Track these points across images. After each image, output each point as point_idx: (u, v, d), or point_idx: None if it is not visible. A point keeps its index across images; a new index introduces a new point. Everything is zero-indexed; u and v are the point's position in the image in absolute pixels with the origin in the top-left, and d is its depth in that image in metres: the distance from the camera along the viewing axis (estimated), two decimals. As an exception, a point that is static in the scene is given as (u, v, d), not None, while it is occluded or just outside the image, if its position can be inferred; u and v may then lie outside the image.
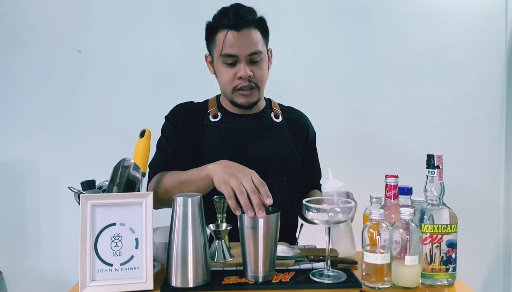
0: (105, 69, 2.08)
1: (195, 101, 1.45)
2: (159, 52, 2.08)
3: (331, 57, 2.11)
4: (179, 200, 0.97)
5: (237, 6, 1.30)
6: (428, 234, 0.98)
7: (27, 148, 2.08)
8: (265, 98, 1.46)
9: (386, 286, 0.95)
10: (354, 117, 2.14)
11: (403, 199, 1.09)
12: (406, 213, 0.95)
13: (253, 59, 1.28)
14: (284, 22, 2.07)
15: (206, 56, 1.40)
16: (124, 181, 1.05)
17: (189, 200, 0.97)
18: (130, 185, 1.05)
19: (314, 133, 1.52)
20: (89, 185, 1.08)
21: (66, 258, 2.10)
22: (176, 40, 2.08)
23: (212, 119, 1.37)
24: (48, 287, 2.09)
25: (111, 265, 0.97)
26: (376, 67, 2.13)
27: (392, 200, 1.07)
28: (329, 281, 0.99)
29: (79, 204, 0.98)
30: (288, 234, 1.38)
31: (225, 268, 1.08)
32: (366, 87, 2.12)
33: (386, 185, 1.08)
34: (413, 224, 0.96)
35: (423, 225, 0.98)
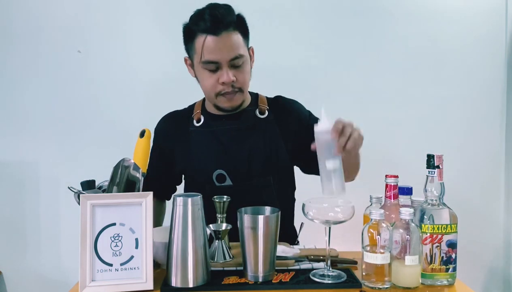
0: (105, 69, 2.08)
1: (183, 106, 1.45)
2: (160, 52, 2.08)
3: (330, 56, 2.11)
4: (179, 200, 0.97)
5: (213, 7, 1.23)
6: (428, 234, 0.98)
7: (27, 148, 2.07)
8: (251, 93, 1.41)
9: (386, 286, 0.95)
10: (354, 117, 2.13)
11: (403, 199, 1.09)
12: (406, 213, 0.95)
13: (235, 64, 1.24)
14: (282, 21, 2.07)
15: (185, 59, 1.35)
16: (124, 181, 1.05)
17: (189, 200, 0.97)
18: (130, 185, 1.05)
19: (307, 113, 1.42)
20: (89, 185, 1.08)
21: (66, 258, 2.10)
22: (176, 40, 2.08)
23: (195, 124, 1.37)
24: (48, 287, 2.09)
25: (111, 265, 0.97)
26: (376, 67, 2.13)
27: (392, 200, 1.07)
28: (329, 281, 0.99)
29: (79, 204, 0.98)
30: (280, 234, 1.37)
31: (225, 268, 1.08)
32: (366, 87, 2.12)
33: (386, 185, 1.08)
34: (413, 224, 0.96)
35: (423, 225, 0.98)
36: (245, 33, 1.28)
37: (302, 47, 2.10)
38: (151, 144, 1.39)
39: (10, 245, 2.10)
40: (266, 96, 1.44)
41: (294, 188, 1.46)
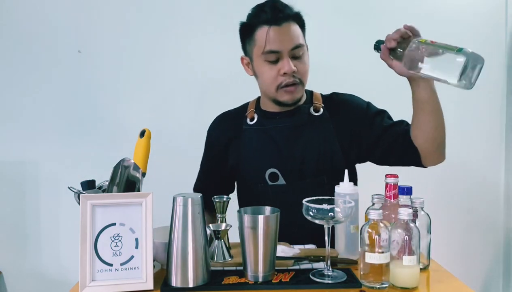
0: (105, 69, 2.08)
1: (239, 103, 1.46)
2: (159, 51, 2.08)
3: (331, 57, 2.11)
4: (179, 200, 0.97)
5: (273, 1, 1.27)
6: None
7: (27, 148, 2.07)
8: (306, 91, 1.40)
9: (384, 285, 0.95)
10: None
11: (403, 199, 1.09)
12: (405, 213, 0.95)
13: (295, 54, 1.25)
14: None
15: (242, 58, 1.36)
16: (124, 181, 1.05)
17: (189, 200, 0.97)
18: (130, 185, 1.05)
19: (365, 104, 1.41)
20: (89, 185, 1.08)
21: (66, 258, 2.10)
22: (175, 39, 2.08)
23: (249, 123, 1.37)
24: (48, 287, 2.09)
25: (111, 265, 0.97)
26: (376, 67, 2.12)
27: (392, 200, 1.07)
28: (329, 281, 0.98)
29: (79, 204, 0.98)
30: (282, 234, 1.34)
31: (225, 268, 1.08)
32: (365, 86, 2.11)
33: (386, 185, 1.08)
34: (412, 224, 0.96)
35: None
36: (302, 27, 1.30)
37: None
38: (204, 148, 1.46)
39: (10, 245, 2.10)
40: (321, 93, 1.42)
41: None
